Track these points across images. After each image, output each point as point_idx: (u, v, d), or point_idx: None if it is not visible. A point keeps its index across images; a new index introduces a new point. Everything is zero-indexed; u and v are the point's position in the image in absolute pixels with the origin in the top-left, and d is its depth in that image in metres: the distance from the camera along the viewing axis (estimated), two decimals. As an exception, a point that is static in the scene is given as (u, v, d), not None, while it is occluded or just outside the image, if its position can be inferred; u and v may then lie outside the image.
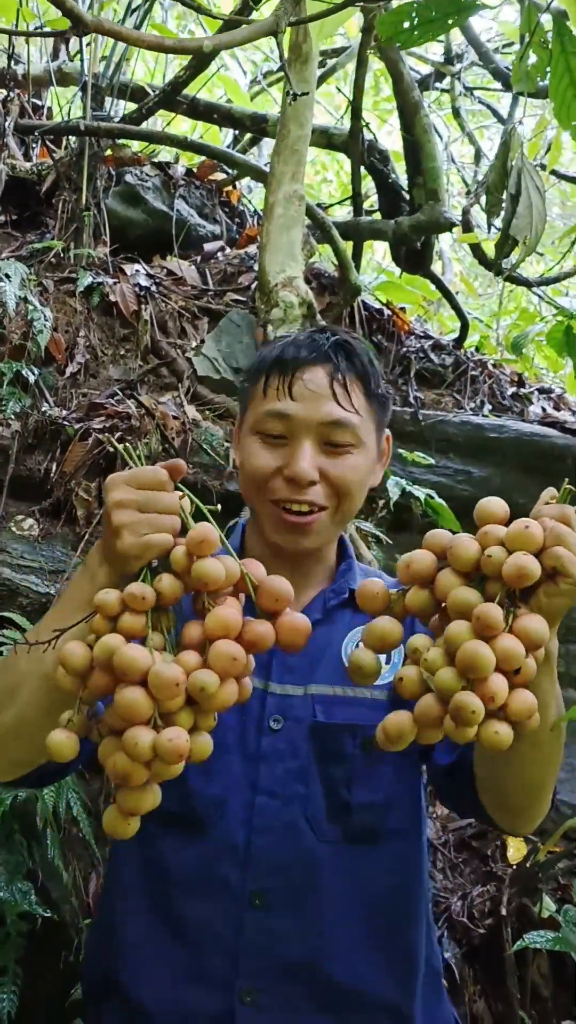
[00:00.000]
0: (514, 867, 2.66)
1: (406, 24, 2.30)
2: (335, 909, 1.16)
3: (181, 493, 0.98)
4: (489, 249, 4.00)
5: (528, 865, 2.57)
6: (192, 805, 1.17)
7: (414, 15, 2.28)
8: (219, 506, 1.02)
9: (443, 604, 0.95)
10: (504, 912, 2.50)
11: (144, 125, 3.77)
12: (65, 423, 2.76)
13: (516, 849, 2.79)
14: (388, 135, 6.77)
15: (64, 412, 2.81)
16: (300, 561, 1.29)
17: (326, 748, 1.20)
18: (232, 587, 0.96)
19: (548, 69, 2.33)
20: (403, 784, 1.24)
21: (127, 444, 1.04)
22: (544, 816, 1.17)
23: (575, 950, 2.23)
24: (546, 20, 2.42)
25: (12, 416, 2.73)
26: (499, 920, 2.51)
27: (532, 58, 2.55)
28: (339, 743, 1.20)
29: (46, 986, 2.15)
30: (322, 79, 4.32)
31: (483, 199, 3.90)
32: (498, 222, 2.26)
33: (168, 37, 2.68)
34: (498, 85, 5.35)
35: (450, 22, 2.38)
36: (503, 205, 2.10)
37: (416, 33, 2.32)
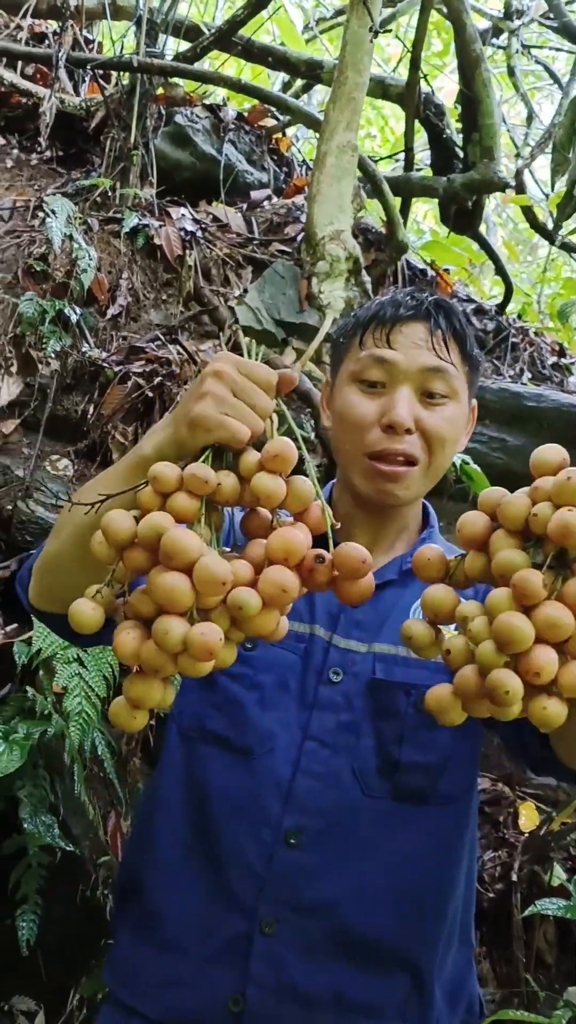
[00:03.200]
0: (527, 835, 2.67)
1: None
2: (368, 861, 1.16)
3: (278, 408, 0.93)
4: (540, 213, 3.92)
5: (541, 834, 2.58)
6: (245, 732, 1.19)
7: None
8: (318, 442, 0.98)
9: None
10: (515, 878, 2.52)
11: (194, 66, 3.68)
12: (104, 365, 2.74)
13: (529, 817, 2.80)
14: (439, 90, 6.61)
15: (104, 354, 2.79)
16: (385, 523, 1.29)
17: (380, 704, 1.20)
18: (300, 515, 0.91)
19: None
20: (460, 749, 1.22)
21: (252, 340, 0.99)
22: None
23: (585, 919, 2.25)
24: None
25: (52, 355, 2.71)
26: (509, 885, 2.53)
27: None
28: (393, 699, 1.19)
29: (62, 918, 2.19)
30: (381, 25, 4.21)
31: (536, 161, 3.81)
32: (561, 183, 2.20)
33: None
34: (555, 44, 5.20)
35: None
36: (570, 164, 2.05)
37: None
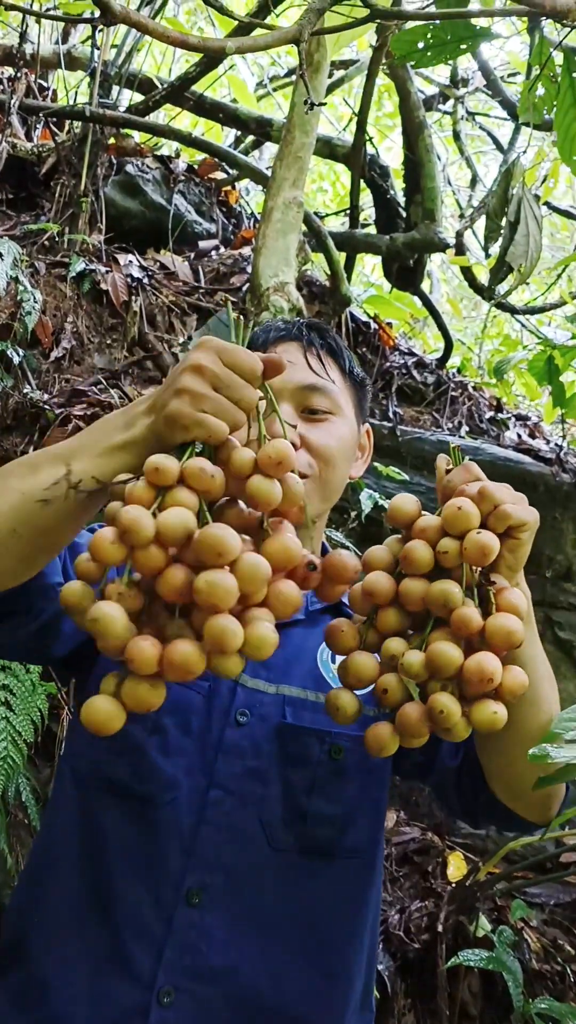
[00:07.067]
0: (453, 885, 2.68)
1: (420, 44, 2.33)
2: (273, 920, 1.10)
3: (263, 394, 0.88)
4: (480, 273, 4.05)
5: (467, 884, 2.60)
6: (145, 779, 1.11)
7: (429, 36, 2.32)
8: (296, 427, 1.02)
9: (411, 610, 0.96)
10: (440, 928, 2.52)
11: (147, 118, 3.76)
12: (46, 407, 2.74)
13: (456, 867, 2.82)
14: (386, 151, 6.82)
15: (46, 396, 2.80)
16: None
17: (290, 751, 1.14)
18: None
19: (555, 103, 2.37)
20: (366, 801, 1.18)
21: (240, 315, 0.94)
22: (563, 796, 1.12)
23: (508, 970, 2.26)
24: (557, 55, 2.46)
25: (-7, 395, 2.71)
26: (435, 936, 2.52)
27: (540, 90, 2.59)
28: (304, 747, 1.15)
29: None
30: (329, 90, 4.35)
31: (478, 223, 3.95)
32: (495, 248, 2.29)
33: (190, 35, 2.68)
34: (499, 112, 5.41)
35: (463, 47, 2.41)
36: (502, 231, 2.14)
37: (430, 54, 2.36)
